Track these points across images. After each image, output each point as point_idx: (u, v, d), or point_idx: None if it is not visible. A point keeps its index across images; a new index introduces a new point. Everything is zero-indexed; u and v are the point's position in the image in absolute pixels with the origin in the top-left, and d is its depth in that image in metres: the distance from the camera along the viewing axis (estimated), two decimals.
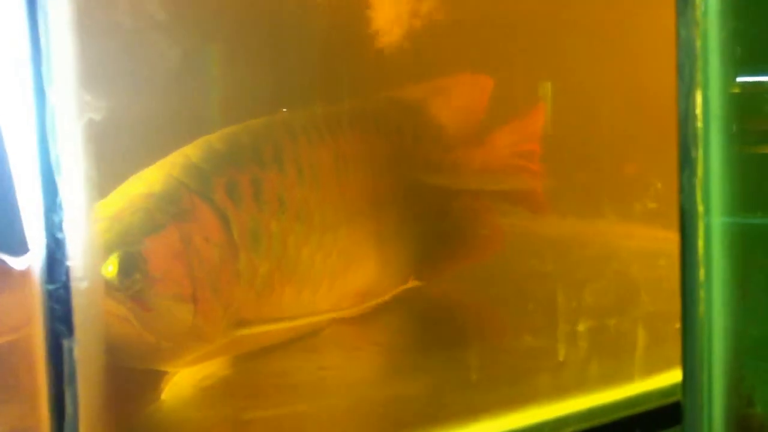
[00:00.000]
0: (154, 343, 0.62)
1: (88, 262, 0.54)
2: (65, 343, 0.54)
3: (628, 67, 0.81)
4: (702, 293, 0.52)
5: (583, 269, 0.80)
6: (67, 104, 0.52)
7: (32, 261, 0.54)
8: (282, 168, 0.68)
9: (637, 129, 0.80)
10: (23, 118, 0.52)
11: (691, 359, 0.53)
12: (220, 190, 0.64)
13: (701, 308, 0.52)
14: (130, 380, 0.63)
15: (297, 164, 0.69)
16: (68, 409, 0.55)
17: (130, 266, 0.60)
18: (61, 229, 0.53)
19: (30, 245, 0.54)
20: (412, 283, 0.78)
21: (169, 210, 0.62)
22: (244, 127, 0.69)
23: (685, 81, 0.52)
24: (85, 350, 0.54)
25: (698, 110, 0.51)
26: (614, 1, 0.81)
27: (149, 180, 0.64)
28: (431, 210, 0.78)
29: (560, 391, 0.76)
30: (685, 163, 0.52)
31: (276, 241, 0.67)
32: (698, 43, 0.51)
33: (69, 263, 0.53)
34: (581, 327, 0.78)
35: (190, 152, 0.66)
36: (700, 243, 0.52)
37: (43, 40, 0.51)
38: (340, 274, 0.72)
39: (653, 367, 0.78)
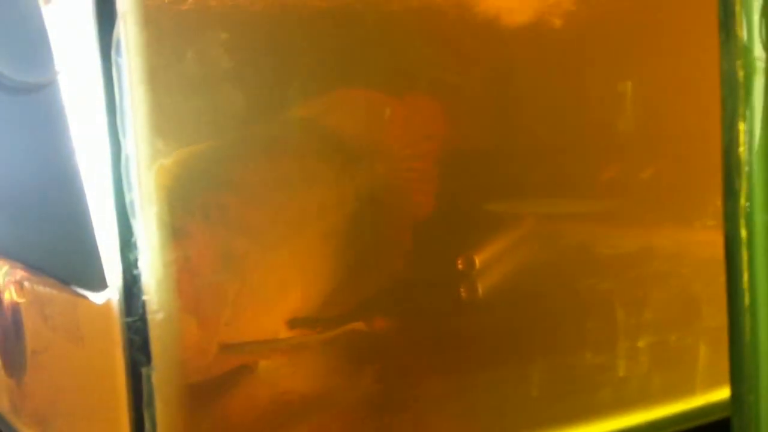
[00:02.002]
0: None
1: (162, 296, 0.58)
2: (144, 370, 0.58)
3: (696, 93, 0.80)
4: (748, 319, 0.53)
5: (644, 286, 0.80)
6: (140, 151, 0.56)
7: (111, 296, 0.58)
8: (235, 189, 0.68)
9: (699, 150, 0.80)
10: (101, 165, 0.56)
11: (738, 380, 0.54)
12: (198, 211, 0.65)
13: (747, 335, 0.53)
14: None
15: (245, 185, 0.69)
16: (147, 429, 0.59)
17: None
18: (136, 267, 0.57)
19: (109, 282, 0.58)
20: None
21: (170, 225, 0.63)
22: (187, 154, 0.67)
23: (728, 113, 0.53)
24: (162, 376, 0.58)
25: (741, 142, 0.52)
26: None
27: None
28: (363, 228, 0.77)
29: (622, 405, 0.77)
30: (729, 193, 0.53)
31: (240, 261, 0.68)
32: (741, 75, 0.52)
33: (145, 297, 0.57)
34: (642, 342, 0.78)
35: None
36: (745, 270, 0.53)
37: (117, 93, 0.55)
38: (291, 290, 0.73)
39: (714, 381, 0.78)
